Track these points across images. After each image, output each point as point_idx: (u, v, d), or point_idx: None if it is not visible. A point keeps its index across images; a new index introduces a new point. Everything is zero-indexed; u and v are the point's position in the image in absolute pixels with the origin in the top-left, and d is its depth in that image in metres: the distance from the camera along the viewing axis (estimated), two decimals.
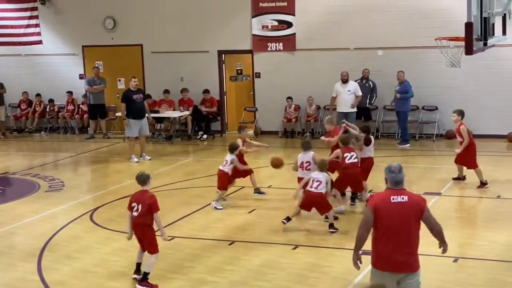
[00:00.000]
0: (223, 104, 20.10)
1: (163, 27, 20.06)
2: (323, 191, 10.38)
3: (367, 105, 17.87)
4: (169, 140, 19.34)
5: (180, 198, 12.66)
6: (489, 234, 10.10)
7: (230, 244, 9.98)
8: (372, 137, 12.25)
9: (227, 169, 11.88)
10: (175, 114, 19.32)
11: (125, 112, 16.47)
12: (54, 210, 12.29)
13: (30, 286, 8.71)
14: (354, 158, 11.42)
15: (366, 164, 11.90)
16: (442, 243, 6.48)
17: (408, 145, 17.21)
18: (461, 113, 12.85)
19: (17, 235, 11.00)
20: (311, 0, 18.67)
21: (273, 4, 18.98)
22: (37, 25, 21.34)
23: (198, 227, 10.94)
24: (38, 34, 21.37)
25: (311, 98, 18.75)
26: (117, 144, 18.99)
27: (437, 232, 6.38)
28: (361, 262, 6.47)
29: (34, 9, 21.25)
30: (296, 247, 9.75)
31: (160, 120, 19.63)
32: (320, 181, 10.38)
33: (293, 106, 19.10)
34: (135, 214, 8.50)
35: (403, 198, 6.24)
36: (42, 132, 21.30)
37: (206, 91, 19.52)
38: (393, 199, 6.22)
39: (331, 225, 10.42)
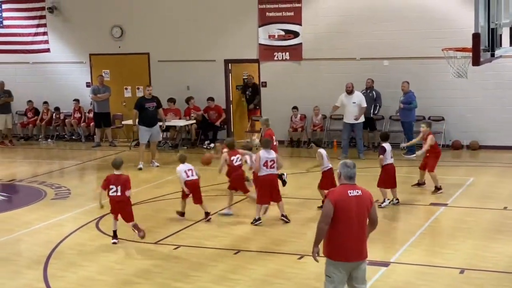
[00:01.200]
0: (229, 113, 20.13)
1: (170, 36, 20.12)
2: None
3: (371, 115, 17.86)
4: (175, 148, 19.37)
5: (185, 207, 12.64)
6: (496, 246, 10.07)
7: (235, 253, 9.97)
8: (388, 145, 12.55)
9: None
10: (181, 122, 19.36)
11: (137, 119, 16.66)
12: (60, 217, 12.31)
13: None
14: (239, 161, 12.22)
15: (388, 171, 12.41)
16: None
17: (414, 155, 17.13)
18: (429, 125, 13.70)
19: (24, 242, 11.02)
20: (318, 10, 18.71)
21: (280, 14, 19.02)
22: (45, 33, 21.43)
23: (204, 235, 10.94)
24: (46, 42, 21.46)
25: (317, 108, 18.76)
26: (123, 152, 19.01)
27: (374, 227, 6.94)
28: (319, 255, 6.84)
29: (42, 17, 21.34)
30: (301, 256, 9.73)
31: (166, 128, 19.66)
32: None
33: (299, 115, 19.11)
34: (113, 194, 10.30)
35: (358, 192, 6.74)
36: (49, 140, 21.35)
37: (210, 99, 19.55)
38: (350, 193, 6.70)
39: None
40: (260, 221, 11.44)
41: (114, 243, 10.54)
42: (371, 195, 6.89)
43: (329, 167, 12.08)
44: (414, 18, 17.81)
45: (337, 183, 7.01)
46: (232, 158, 12.22)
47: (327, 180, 11.98)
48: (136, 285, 8.86)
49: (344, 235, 6.67)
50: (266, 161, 11.36)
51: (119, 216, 10.51)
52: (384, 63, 18.26)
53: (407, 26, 17.88)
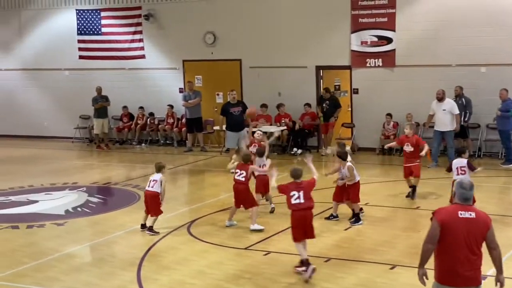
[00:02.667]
0: (320, 120, 20.00)
1: (261, 42, 20.23)
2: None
3: (462, 123, 17.34)
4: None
5: (275, 213, 12.63)
6: None
7: (326, 261, 9.88)
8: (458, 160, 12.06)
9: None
10: (272, 129, 19.40)
11: (224, 125, 16.84)
12: None
13: None
14: (240, 176, 11.62)
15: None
16: (499, 273, 6.40)
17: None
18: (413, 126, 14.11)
19: (118, 244, 11.28)
20: (412, 15, 18.37)
21: (373, 20, 18.79)
22: (141, 40, 21.97)
23: (293, 243, 10.87)
24: (142, 49, 21.99)
25: (410, 115, 18.39)
26: (214, 158, 19.23)
27: (497, 254, 6.32)
28: (427, 278, 6.38)
29: (138, 24, 21.90)
30: (393, 267, 9.54)
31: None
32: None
33: (391, 123, 18.80)
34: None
35: (470, 214, 6.18)
36: (143, 144, 21.86)
37: (307, 105, 19.49)
38: (460, 214, 6.17)
39: None
40: (336, 218, 11.92)
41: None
42: (488, 218, 6.25)
43: (357, 180, 11.84)
44: None
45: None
46: (237, 171, 11.88)
47: (356, 192, 11.80)
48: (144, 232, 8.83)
49: (452, 259, 6.20)
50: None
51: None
52: (481, 70, 17.73)
53: (505, 32, 17.33)
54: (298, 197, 9.35)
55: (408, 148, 13.37)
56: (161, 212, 11.69)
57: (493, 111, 16.96)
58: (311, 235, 9.47)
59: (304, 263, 9.24)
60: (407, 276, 9.21)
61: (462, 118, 17.34)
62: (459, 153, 12.28)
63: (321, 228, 11.55)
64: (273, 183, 9.91)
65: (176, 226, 12.02)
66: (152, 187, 11.55)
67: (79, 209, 13.63)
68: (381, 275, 9.28)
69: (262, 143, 13.54)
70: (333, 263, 9.85)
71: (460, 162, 11.91)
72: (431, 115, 17.02)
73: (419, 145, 13.33)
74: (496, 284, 6.48)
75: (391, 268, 9.48)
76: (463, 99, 17.39)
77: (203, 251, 10.57)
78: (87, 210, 13.55)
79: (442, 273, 6.29)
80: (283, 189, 9.53)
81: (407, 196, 13.46)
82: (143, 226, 11.70)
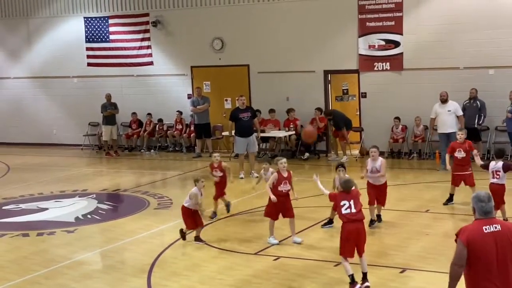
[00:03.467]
0: (329, 124, 20.01)
1: (269, 47, 20.25)
2: None
3: (476, 126, 17.29)
4: (274, 159, 19.38)
5: (284, 218, 12.60)
6: None
7: (336, 266, 9.86)
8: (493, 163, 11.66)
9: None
10: (281, 133, 19.41)
11: (233, 130, 16.90)
12: (162, 227, 12.58)
13: None
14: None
15: (498, 190, 11.37)
16: None
17: None
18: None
19: (128, 251, 11.30)
20: (420, 19, 18.35)
21: (380, 24, 18.78)
22: (149, 47, 22.04)
23: (304, 247, 10.88)
24: (150, 55, 22.06)
25: (419, 118, 18.37)
26: (223, 163, 19.19)
27: None
28: None
29: (146, 31, 21.97)
30: (403, 270, 9.52)
31: (265, 139, 19.78)
32: None
33: (400, 126, 18.78)
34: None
35: (496, 227, 5.78)
36: (152, 151, 21.90)
37: (318, 109, 19.48)
38: (486, 229, 5.76)
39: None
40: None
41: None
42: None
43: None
44: None
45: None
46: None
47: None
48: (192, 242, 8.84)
49: (484, 280, 5.73)
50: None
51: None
52: (490, 72, 17.69)
53: None
54: (349, 207, 8.87)
55: (460, 154, 12.79)
56: (199, 224, 11.40)
57: (502, 113, 16.91)
58: (361, 250, 8.99)
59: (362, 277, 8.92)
60: (418, 280, 9.20)
61: (476, 121, 17.27)
62: (497, 156, 11.80)
63: (330, 232, 11.55)
64: (323, 189, 9.81)
65: (186, 232, 12.02)
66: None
67: (89, 216, 13.68)
68: (392, 278, 9.27)
69: (223, 165, 13.17)
70: (343, 267, 9.81)
71: (495, 165, 11.52)
72: (432, 118, 17.03)
73: (471, 150, 12.71)
74: None
75: (401, 272, 9.46)
76: (478, 102, 17.33)
77: (213, 257, 10.58)
78: (97, 217, 13.59)
79: None
80: (333, 197, 9.25)
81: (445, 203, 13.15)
82: (183, 235, 11.50)
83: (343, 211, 8.86)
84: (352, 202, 8.87)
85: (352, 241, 8.85)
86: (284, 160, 11.26)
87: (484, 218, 5.84)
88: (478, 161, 12.18)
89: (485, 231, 5.74)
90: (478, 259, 5.71)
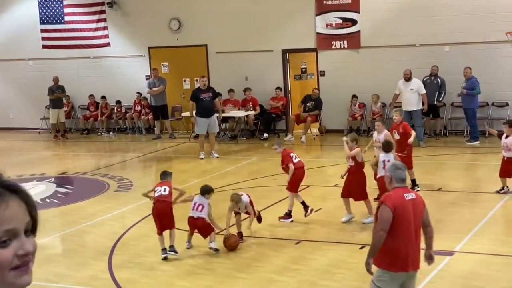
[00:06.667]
0: (288, 103, 20.08)
1: (227, 27, 20.17)
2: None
3: (435, 102, 17.53)
4: (234, 139, 19.45)
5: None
6: None
7: (296, 243, 9.96)
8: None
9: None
10: (240, 113, 19.42)
11: (194, 110, 16.81)
12: (123, 209, 12.53)
13: (102, 284, 8.90)
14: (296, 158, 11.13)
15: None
16: (430, 248, 6.48)
17: (478, 142, 16.84)
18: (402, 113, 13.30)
19: (89, 233, 11.25)
20: None
21: (337, 2, 18.83)
22: (105, 28, 21.75)
23: (264, 226, 10.94)
24: (106, 36, 21.78)
25: (376, 96, 18.54)
26: (183, 144, 19.20)
27: (431, 232, 6.44)
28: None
29: (102, 12, 21.67)
30: (363, 246, 9.64)
31: (225, 119, 19.77)
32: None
33: (358, 104, 18.93)
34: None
35: (412, 196, 6.28)
36: (111, 133, 21.71)
37: (278, 89, 19.52)
38: (406, 196, 6.21)
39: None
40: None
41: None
42: (422, 198, 6.47)
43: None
44: (476, 2, 17.39)
45: (389, 188, 6.42)
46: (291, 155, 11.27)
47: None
48: (199, 275, 8.94)
49: (404, 243, 6.15)
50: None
51: None
52: (445, 49, 17.91)
53: (468, 11, 17.48)
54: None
55: (395, 136, 12.54)
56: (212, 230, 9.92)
57: (458, 89, 17.15)
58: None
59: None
60: None
61: (436, 98, 17.49)
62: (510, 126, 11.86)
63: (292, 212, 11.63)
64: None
65: (146, 214, 11.99)
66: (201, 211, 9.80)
67: (47, 200, 13.53)
68: (352, 255, 9.39)
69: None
70: (303, 245, 9.93)
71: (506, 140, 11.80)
72: (396, 94, 17.16)
73: (407, 133, 12.53)
74: (428, 259, 6.53)
75: (361, 248, 9.59)
76: (438, 79, 17.54)
77: (175, 238, 10.56)
78: (56, 201, 13.46)
79: (394, 260, 6.18)
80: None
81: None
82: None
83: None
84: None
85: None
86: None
87: (402, 186, 6.30)
88: (410, 140, 12.29)
89: (406, 198, 6.20)
90: (400, 224, 6.13)
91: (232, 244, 9.71)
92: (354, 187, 10.71)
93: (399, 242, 6.15)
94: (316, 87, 19.40)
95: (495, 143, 16.84)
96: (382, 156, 10.98)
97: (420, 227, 6.30)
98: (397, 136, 12.46)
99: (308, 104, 19.13)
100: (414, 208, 6.20)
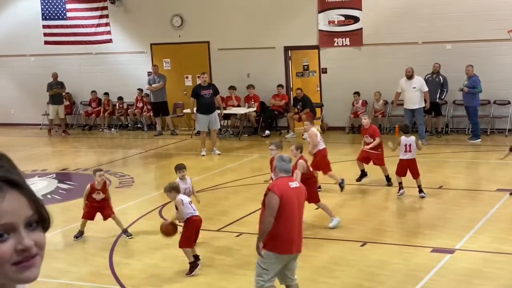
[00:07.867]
0: (290, 101, 20.06)
1: (229, 24, 20.16)
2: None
3: (437, 100, 17.50)
4: (236, 136, 19.45)
5: (247, 194, 12.71)
6: None
7: None
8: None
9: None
10: (242, 110, 19.41)
11: (195, 107, 16.80)
12: (125, 205, 12.53)
13: (103, 280, 8.91)
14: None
15: None
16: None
17: (479, 140, 16.82)
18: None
19: (90, 230, 11.22)
20: None
21: None
22: (107, 24, 21.75)
23: None
24: (108, 33, 21.78)
25: (378, 93, 18.53)
26: (184, 141, 19.20)
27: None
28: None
29: (104, 8, 21.66)
30: (364, 243, 9.66)
31: (227, 116, 19.76)
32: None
33: (360, 101, 18.92)
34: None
35: (296, 184, 6.98)
36: (112, 129, 21.71)
37: (280, 86, 19.50)
38: (291, 185, 6.88)
39: None
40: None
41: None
42: (304, 188, 7.18)
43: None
44: (477, 0, 17.37)
45: (273, 177, 7.20)
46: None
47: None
48: (200, 272, 8.92)
49: (289, 228, 6.79)
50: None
51: None
52: (447, 47, 17.89)
53: (470, 9, 17.45)
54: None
55: (367, 139, 12.71)
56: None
57: (459, 87, 17.12)
58: None
59: None
60: (378, 253, 9.35)
61: (438, 96, 17.46)
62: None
63: None
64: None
65: (147, 211, 12.02)
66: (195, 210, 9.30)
67: (49, 196, 13.54)
68: (353, 252, 9.40)
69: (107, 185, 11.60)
70: (304, 242, 9.89)
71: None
72: (398, 92, 17.13)
73: (375, 137, 12.57)
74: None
75: (362, 245, 9.60)
76: (440, 77, 17.51)
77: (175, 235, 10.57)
78: (58, 197, 13.47)
79: (281, 242, 6.79)
80: None
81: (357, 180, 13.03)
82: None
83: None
84: None
85: None
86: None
87: (286, 176, 6.96)
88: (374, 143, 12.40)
89: (291, 186, 6.86)
90: (285, 210, 6.74)
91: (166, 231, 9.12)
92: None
93: (285, 226, 6.78)
94: (300, 87, 19.22)
95: (497, 141, 16.86)
96: (403, 139, 11.62)
97: (303, 213, 7.06)
98: (369, 140, 12.63)
99: (298, 106, 19.08)
100: (298, 196, 6.89)
